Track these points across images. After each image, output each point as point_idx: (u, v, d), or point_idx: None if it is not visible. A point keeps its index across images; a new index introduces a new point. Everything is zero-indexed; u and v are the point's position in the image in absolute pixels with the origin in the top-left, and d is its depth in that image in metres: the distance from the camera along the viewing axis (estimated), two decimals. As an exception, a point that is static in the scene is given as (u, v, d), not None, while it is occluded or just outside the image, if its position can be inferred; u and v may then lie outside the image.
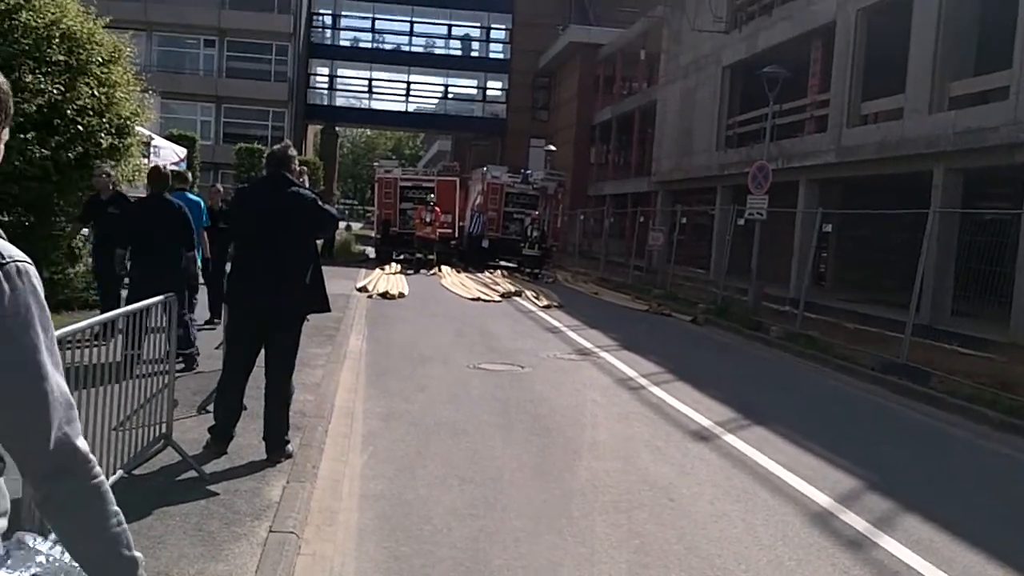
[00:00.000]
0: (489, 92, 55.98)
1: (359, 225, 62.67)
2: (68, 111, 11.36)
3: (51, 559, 1.74)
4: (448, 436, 7.62)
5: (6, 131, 1.75)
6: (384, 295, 19.05)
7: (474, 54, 56.06)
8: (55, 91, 11.16)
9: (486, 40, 55.51)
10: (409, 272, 25.60)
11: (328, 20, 54.61)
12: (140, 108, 13.26)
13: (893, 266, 19.70)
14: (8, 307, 1.61)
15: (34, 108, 10.77)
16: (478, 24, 55.25)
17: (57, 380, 1.67)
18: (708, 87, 30.69)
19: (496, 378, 10.56)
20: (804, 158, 23.54)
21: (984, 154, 17.05)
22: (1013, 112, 16.15)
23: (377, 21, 54.18)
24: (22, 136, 10.62)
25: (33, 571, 1.69)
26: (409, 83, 54.56)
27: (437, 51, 56.08)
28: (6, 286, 1.61)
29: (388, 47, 54.99)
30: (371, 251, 32.42)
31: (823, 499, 6.49)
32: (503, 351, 12.62)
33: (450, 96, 56.32)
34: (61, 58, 11.44)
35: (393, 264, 27.77)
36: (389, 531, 5.26)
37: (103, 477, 1.75)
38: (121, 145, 12.59)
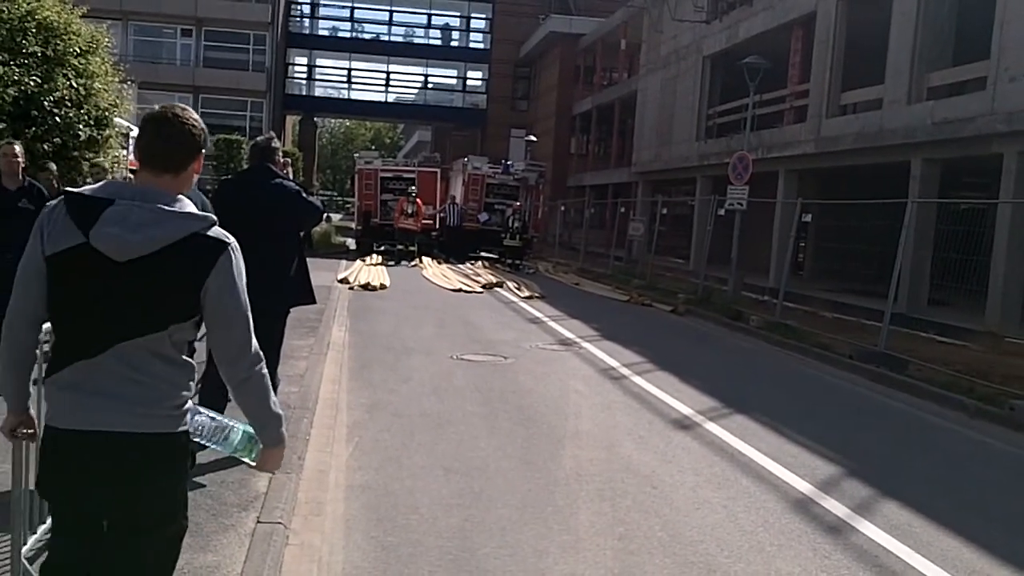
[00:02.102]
0: (469, 82, 55.89)
1: (339, 216, 62.45)
2: (45, 102, 11.29)
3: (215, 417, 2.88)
4: (433, 427, 7.66)
5: None
6: (365, 287, 19.03)
7: (454, 44, 55.92)
8: (31, 82, 11.08)
9: (466, 30, 55.38)
10: (390, 264, 25.57)
11: (307, 9, 54.37)
12: (119, 99, 13.18)
13: (871, 256, 19.91)
14: (236, 270, 2.69)
15: (9, 98, 10.69)
16: (458, 13, 55.09)
17: (249, 316, 2.75)
18: (688, 77, 30.79)
19: (479, 369, 10.60)
20: (784, 148, 23.70)
21: (961, 144, 17.24)
22: (990, 103, 16.33)
23: (356, 10, 53.97)
24: None
25: (213, 414, 2.88)
26: (388, 73, 54.38)
27: (417, 41, 55.89)
28: (234, 256, 2.70)
29: (367, 36, 54.77)
30: (352, 243, 32.33)
31: (803, 486, 6.58)
32: (486, 342, 12.66)
33: (430, 86, 56.24)
34: (37, 49, 11.36)
35: (374, 256, 27.72)
36: (376, 521, 5.30)
37: (266, 376, 2.82)
38: (100, 137, 12.52)
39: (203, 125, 2.83)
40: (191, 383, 2.75)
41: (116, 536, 2.65)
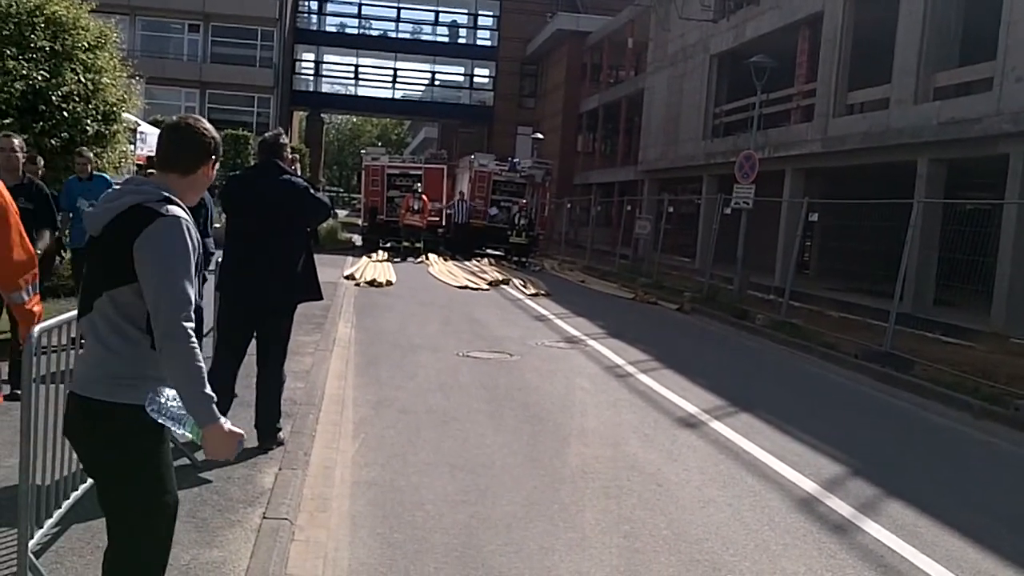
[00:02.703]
0: (476, 79, 55.85)
1: (345, 212, 62.47)
2: (53, 97, 11.30)
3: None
4: (439, 423, 7.67)
5: None
6: (372, 283, 19.05)
7: (461, 41, 55.89)
8: (39, 77, 11.10)
9: (473, 27, 55.32)
10: (396, 260, 25.58)
11: (314, 5, 54.35)
12: (127, 94, 13.19)
13: (877, 255, 19.85)
14: (165, 239, 2.84)
15: (16, 92, 10.70)
16: (466, 11, 55.05)
17: (179, 290, 2.81)
18: (695, 76, 30.74)
19: (485, 366, 10.62)
20: (790, 147, 23.66)
21: (967, 145, 17.20)
22: (996, 103, 16.29)
23: (363, 7, 53.91)
24: (3, 122, 10.56)
25: (172, 394, 2.87)
26: (396, 70, 54.36)
27: (424, 37, 55.90)
28: (165, 226, 2.85)
29: (375, 33, 54.74)
30: (358, 239, 32.35)
31: (808, 485, 6.59)
32: (491, 339, 12.67)
33: (437, 83, 56.14)
34: (45, 44, 11.38)
35: (380, 252, 27.75)
36: (382, 518, 5.32)
37: (192, 347, 2.79)
38: (108, 132, 12.53)
39: (216, 135, 3.17)
40: (147, 361, 2.89)
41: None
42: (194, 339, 2.82)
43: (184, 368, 2.79)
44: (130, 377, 2.89)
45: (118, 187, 3.08)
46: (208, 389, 2.82)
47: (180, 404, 2.89)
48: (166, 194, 2.96)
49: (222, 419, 2.86)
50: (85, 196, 9.32)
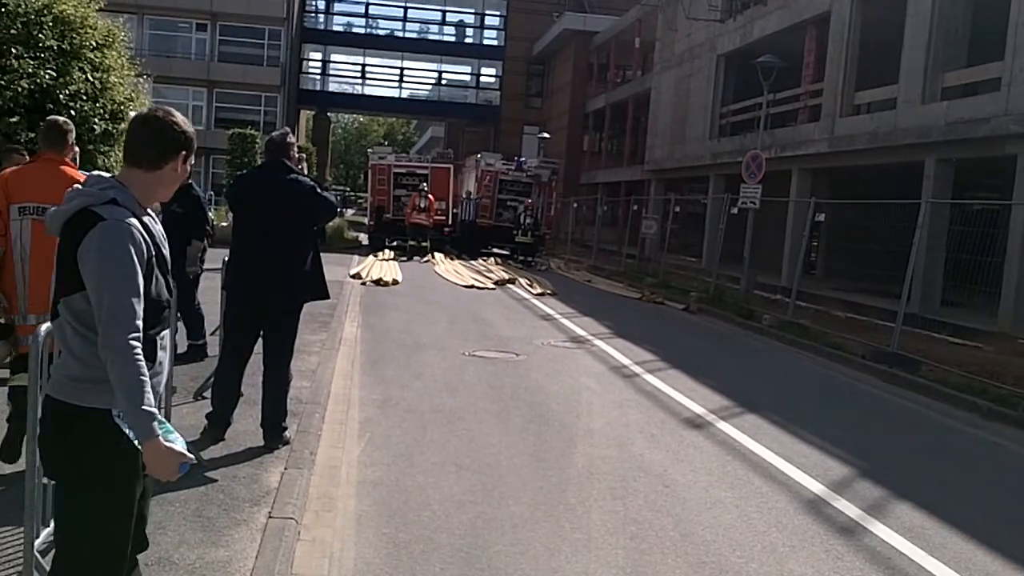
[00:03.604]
0: (483, 79, 55.86)
1: (351, 211, 62.53)
2: (61, 96, 11.31)
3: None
4: (445, 423, 7.66)
5: None
6: (378, 282, 19.06)
7: (468, 40, 55.87)
8: (47, 76, 11.11)
9: (480, 27, 55.33)
10: (402, 259, 25.60)
11: (321, 4, 54.44)
12: (134, 93, 13.19)
13: (883, 256, 19.79)
14: (104, 245, 2.70)
15: (23, 90, 10.71)
16: (472, 10, 55.04)
17: (120, 299, 2.69)
18: (702, 76, 30.70)
19: (491, 366, 10.61)
20: (797, 147, 23.61)
21: (975, 145, 17.14)
22: (1004, 103, 16.23)
23: (370, 6, 53.94)
24: (9, 120, 10.56)
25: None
26: (402, 69, 54.41)
27: (431, 37, 55.89)
28: (104, 231, 2.71)
29: (382, 32, 54.76)
30: (364, 238, 32.38)
31: (816, 486, 6.57)
32: (498, 339, 12.66)
33: (443, 82, 56.17)
34: (53, 43, 11.38)
35: (386, 251, 27.77)
36: (388, 517, 5.31)
37: (132, 361, 2.66)
38: (115, 131, 12.53)
39: (188, 128, 2.96)
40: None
41: None
42: (136, 351, 2.69)
43: (123, 383, 2.66)
44: (88, 381, 2.79)
45: (78, 186, 2.92)
46: (149, 405, 2.67)
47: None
48: (113, 195, 2.82)
49: (166, 439, 2.71)
50: None
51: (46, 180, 5.01)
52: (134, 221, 2.81)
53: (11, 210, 5.04)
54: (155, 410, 2.70)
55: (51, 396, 2.87)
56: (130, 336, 2.69)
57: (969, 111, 17.19)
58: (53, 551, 4.10)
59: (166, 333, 3.02)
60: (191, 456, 2.81)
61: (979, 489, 7.23)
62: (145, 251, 2.81)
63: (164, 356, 3.01)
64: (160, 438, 2.69)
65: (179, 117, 2.96)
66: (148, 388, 2.69)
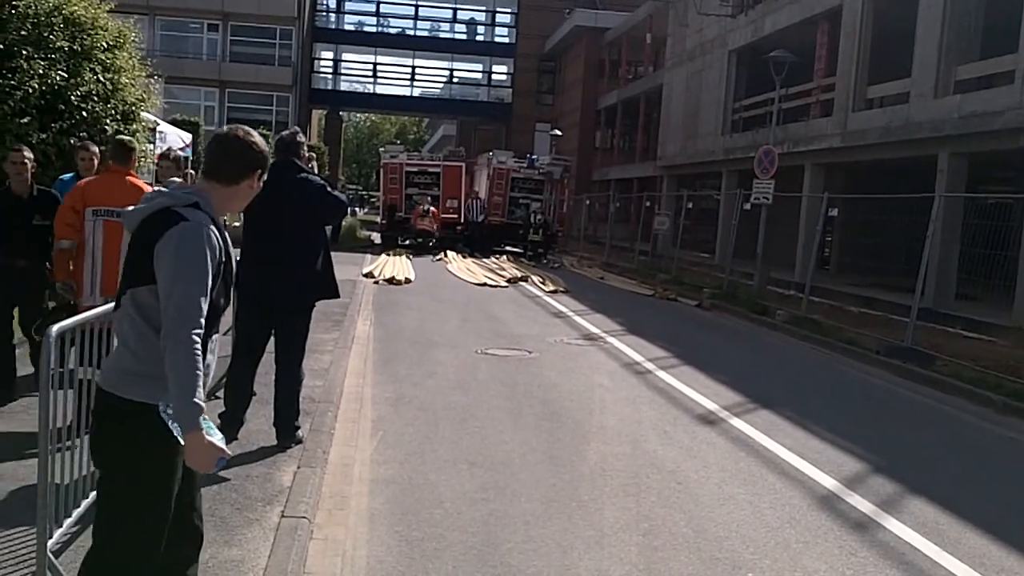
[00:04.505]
0: (494, 76, 55.90)
1: (363, 210, 62.63)
2: (72, 97, 11.35)
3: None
4: (457, 421, 7.67)
5: None
6: (390, 281, 19.09)
7: (479, 38, 55.94)
8: (58, 76, 11.15)
9: (491, 24, 55.38)
10: (412, 256, 25.69)
11: (332, 4, 54.52)
12: (146, 94, 13.23)
13: (897, 250, 19.70)
14: (180, 243, 2.88)
15: (34, 91, 10.75)
16: (483, 8, 55.10)
17: (188, 296, 2.83)
18: (714, 71, 30.61)
19: (504, 363, 10.61)
20: (810, 142, 23.51)
21: (989, 138, 17.02)
22: (1018, 96, 16.11)
23: (381, 5, 54.13)
24: (20, 120, 10.60)
25: None
26: (414, 67, 54.49)
27: (442, 35, 56.00)
28: (183, 231, 2.89)
29: (393, 31, 54.85)
30: (376, 236, 32.44)
31: (829, 482, 6.54)
32: (510, 336, 12.66)
33: (455, 80, 56.22)
34: (64, 44, 11.42)
35: (399, 249, 27.83)
36: (400, 515, 5.32)
37: (191, 356, 2.77)
38: (127, 131, 12.57)
39: (264, 148, 3.21)
40: (158, 361, 2.86)
41: None
42: (197, 346, 2.81)
43: (179, 373, 2.77)
44: (139, 374, 2.93)
45: (161, 188, 3.15)
46: (199, 399, 2.78)
47: None
48: (196, 199, 3.01)
49: (210, 433, 2.84)
50: None
51: (116, 188, 6.20)
52: (212, 227, 3.01)
53: (86, 212, 6.20)
54: (204, 404, 2.81)
55: (100, 387, 3.02)
56: (193, 331, 2.82)
57: (983, 104, 17.07)
58: (66, 551, 4.14)
59: (216, 338, 3.16)
60: (228, 452, 2.95)
61: (994, 484, 7.18)
62: (217, 256, 2.99)
63: (212, 360, 3.15)
64: (204, 431, 2.81)
65: (256, 137, 3.20)
66: (201, 383, 2.81)
